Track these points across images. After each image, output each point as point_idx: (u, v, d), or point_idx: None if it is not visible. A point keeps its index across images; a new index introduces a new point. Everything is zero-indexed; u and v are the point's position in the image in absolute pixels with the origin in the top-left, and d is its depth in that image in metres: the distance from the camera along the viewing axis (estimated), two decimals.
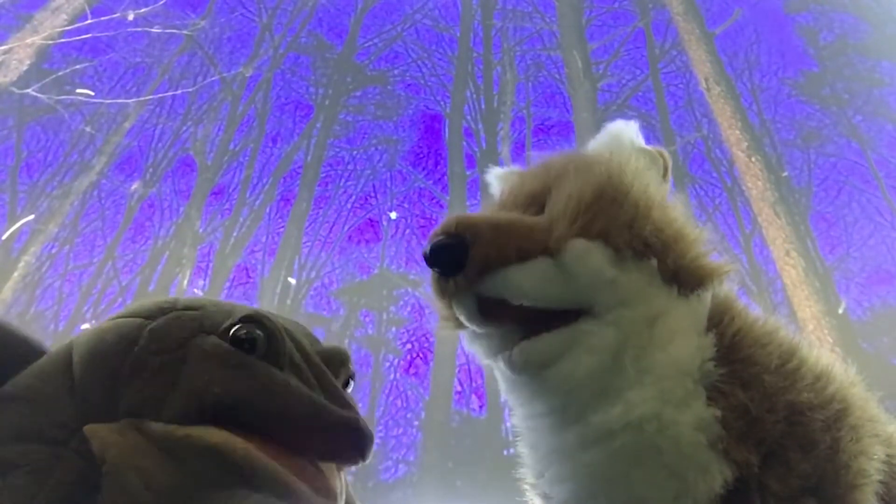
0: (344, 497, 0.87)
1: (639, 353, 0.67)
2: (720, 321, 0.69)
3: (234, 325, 0.84)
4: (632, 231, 0.70)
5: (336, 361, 0.93)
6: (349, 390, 0.96)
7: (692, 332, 0.68)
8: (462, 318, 0.73)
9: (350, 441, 0.80)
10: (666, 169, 0.83)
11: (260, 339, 0.84)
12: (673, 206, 0.76)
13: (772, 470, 0.61)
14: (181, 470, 0.76)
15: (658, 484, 0.63)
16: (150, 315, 0.87)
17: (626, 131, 0.84)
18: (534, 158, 0.88)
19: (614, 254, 0.69)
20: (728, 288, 0.74)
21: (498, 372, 0.77)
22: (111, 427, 0.78)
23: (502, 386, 0.78)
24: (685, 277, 0.72)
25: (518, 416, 0.78)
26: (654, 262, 0.70)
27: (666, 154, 0.84)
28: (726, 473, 0.61)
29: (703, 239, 0.75)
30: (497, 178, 0.93)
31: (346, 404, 0.84)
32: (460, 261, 0.68)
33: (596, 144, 0.85)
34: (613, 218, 0.70)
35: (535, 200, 0.77)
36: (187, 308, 0.89)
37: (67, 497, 0.73)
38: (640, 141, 0.85)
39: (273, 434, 0.78)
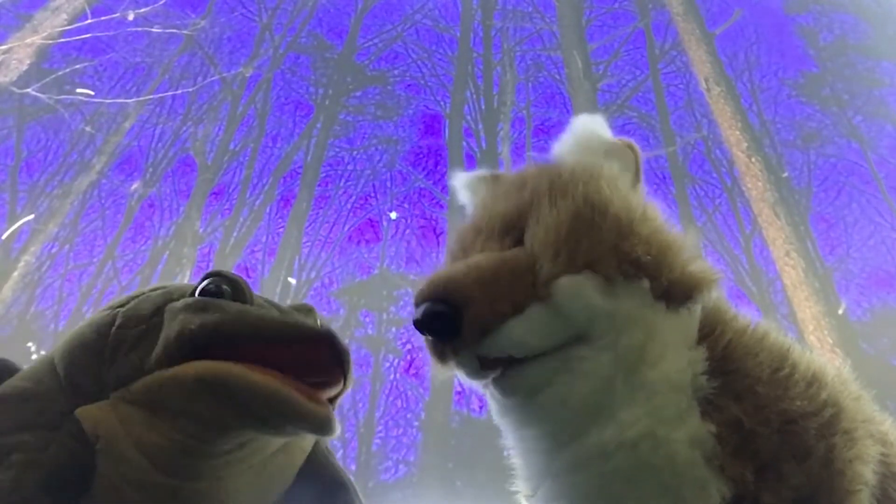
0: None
1: (630, 371, 0.66)
2: (711, 332, 0.68)
3: (201, 283, 0.89)
4: (618, 254, 0.67)
5: (303, 311, 0.95)
6: None
7: (682, 346, 0.67)
8: (462, 376, 0.72)
9: (326, 351, 0.80)
10: (637, 163, 0.80)
11: (226, 291, 0.87)
12: (653, 212, 0.74)
13: (765, 483, 0.60)
14: (172, 427, 0.78)
15: (654, 503, 0.62)
16: (121, 304, 0.91)
17: (592, 127, 0.81)
18: (503, 180, 0.84)
19: (604, 281, 0.66)
20: (717, 295, 0.73)
21: (488, 394, 0.75)
22: (100, 405, 0.80)
23: (492, 408, 0.76)
24: (675, 290, 0.69)
25: (510, 437, 0.77)
26: (645, 282, 0.68)
27: (635, 146, 0.81)
28: (723, 490, 0.59)
29: (687, 245, 0.73)
30: (464, 186, 0.90)
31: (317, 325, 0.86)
32: (455, 327, 0.66)
33: (564, 145, 0.82)
34: (596, 244, 0.68)
35: (512, 226, 0.74)
36: (154, 289, 0.93)
37: (58, 474, 0.75)
38: (607, 134, 0.82)
39: (252, 356, 0.78)
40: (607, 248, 0.67)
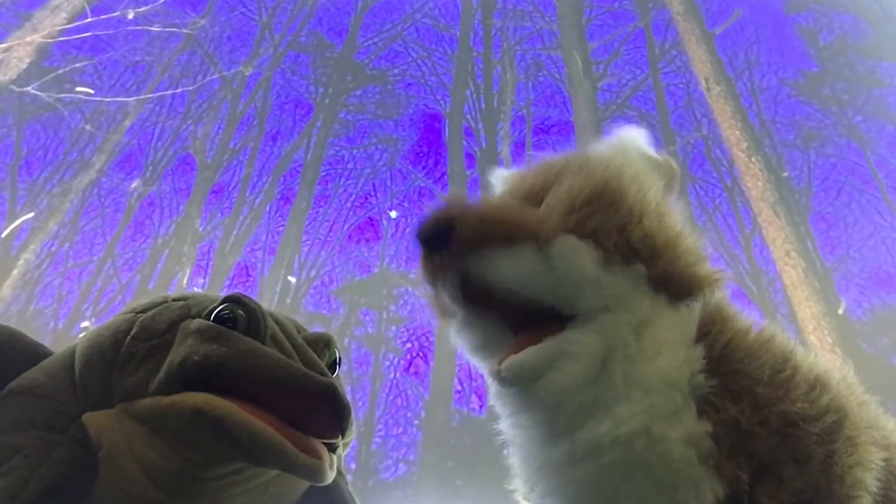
0: (335, 470, 0.86)
1: (627, 366, 0.66)
2: (710, 331, 0.68)
3: (218, 306, 0.87)
4: (622, 235, 0.69)
5: (320, 344, 0.95)
6: (335, 374, 0.96)
7: (680, 343, 0.67)
8: (446, 298, 0.73)
9: (326, 406, 0.80)
10: (672, 179, 0.82)
11: (241, 317, 0.86)
12: (670, 215, 0.75)
13: (763, 486, 0.59)
14: (171, 449, 0.78)
15: (647, 500, 0.62)
16: (143, 309, 0.90)
17: (634, 137, 0.84)
18: (537, 158, 0.87)
19: (602, 255, 0.68)
20: (720, 296, 0.73)
21: (487, 380, 0.76)
22: (107, 414, 0.80)
23: (491, 395, 0.77)
24: (675, 285, 0.71)
25: (506, 425, 0.77)
26: (640, 267, 0.69)
27: (674, 164, 0.83)
28: (718, 490, 0.59)
29: (696, 248, 0.74)
30: (500, 180, 0.92)
31: (325, 375, 0.85)
32: (447, 236, 0.69)
33: (602, 146, 0.84)
34: (607, 220, 0.70)
35: (534, 196, 0.77)
36: (177, 299, 0.93)
37: (60, 480, 0.75)
38: (649, 149, 0.84)
39: (253, 397, 0.78)
40: (614, 226, 0.70)
